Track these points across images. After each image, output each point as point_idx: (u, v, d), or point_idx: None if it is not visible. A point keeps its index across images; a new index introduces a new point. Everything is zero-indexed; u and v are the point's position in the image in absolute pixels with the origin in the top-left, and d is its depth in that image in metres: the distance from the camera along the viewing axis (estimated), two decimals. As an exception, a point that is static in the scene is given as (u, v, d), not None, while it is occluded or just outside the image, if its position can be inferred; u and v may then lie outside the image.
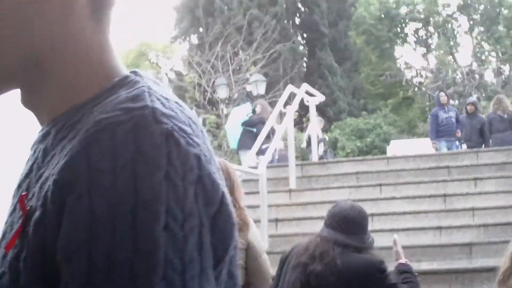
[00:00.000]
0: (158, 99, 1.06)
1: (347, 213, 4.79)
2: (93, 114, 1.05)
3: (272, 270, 5.11)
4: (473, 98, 20.20)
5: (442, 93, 17.55)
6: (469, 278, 8.16)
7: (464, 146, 16.83)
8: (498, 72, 38.22)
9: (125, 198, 0.96)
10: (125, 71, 1.17)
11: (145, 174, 0.97)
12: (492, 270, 8.06)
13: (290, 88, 13.27)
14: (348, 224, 4.74)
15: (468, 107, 17.15)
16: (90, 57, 1.14)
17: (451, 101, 17.30)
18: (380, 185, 11.06)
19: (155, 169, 0.97)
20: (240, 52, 28.82)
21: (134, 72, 1.15)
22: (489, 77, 39.87)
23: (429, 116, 38.05)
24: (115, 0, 1.17)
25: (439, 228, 9.41)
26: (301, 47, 38.64)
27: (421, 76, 43.38)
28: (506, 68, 40.21)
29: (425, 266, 8.37)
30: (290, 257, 4.84)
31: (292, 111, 12.13)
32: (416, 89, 41.59)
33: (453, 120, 16.38)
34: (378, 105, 41.36)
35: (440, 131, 16.25)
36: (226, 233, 1.05)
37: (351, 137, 29.50)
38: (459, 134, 16.50)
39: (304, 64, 38.05)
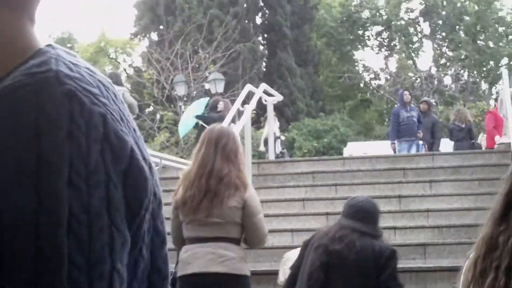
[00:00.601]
0: (65, 64, 1.08)
1: (363, 205, 5.47)
2: (1, 84, 1.07)
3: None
4: (426, 97, 20.25)
5: (406, 92, 17.42)
6: (422, 277, 8.21)
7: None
8: (456, 78, 38.62)
9: (28, 156, 0.98)
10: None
11: (48, 133, 0.99)
12: (445, 270, 8.15)
13: (248, 87, 13.28)
14: (364, 214, 5.37)
15: (422, 106, 17.30)
16: (3, 40, 1.14)
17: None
18: (335, 185, 11.08)
19: (58, 128, 0.99)
20: (200, 51, 28.76)
21: (48, 45, 1.16)
22: (447, 82, 40.31)
23: (386, 119, 38.32)
24: None
25: (394, 228, 9.44)
26: (261, 47, 38.68)
27: (379, 79, 43.71)
28: (465, 74, 40.67)
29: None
30: (312, 240, 5.43)
31: (249, 109, 12.11)
32: (374, 92, 41.87)
33: (415, 120, 16.22)
34: (336, 107, 41.59)
35: (400, 131, 16.13)
36: (139, 187, 1.07)
37: (308, 137, 29.64)
38: (420, 134, 16.41)
39: (264, 64, 38.10)
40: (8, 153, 0.99)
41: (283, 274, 6.35)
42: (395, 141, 16.05)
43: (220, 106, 15.48)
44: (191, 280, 4.93)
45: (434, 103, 24.78)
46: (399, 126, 16.15)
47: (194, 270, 4.92)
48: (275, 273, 6.76)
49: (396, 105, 18.19)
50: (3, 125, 0.99)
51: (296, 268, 5.49)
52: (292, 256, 6.15)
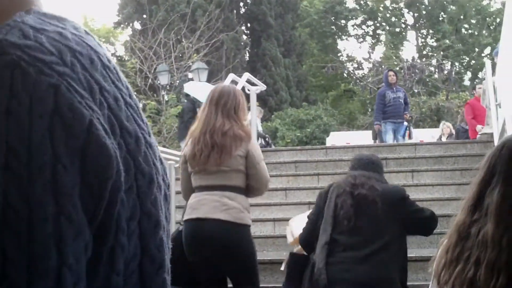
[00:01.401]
0: (22, 31, 0.98)
1: (371, 157, 5.95)
2: None
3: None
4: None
5: (391, 72, 16.74)
6: (403, 268, 8.21)
7: (412, 129, 16.72)
8: (440, 68, 38.70)
9: None
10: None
11: None
12: (426, 260, 8.14)
13: (231, 76, 13.24)
14: (373, 165, 5.80)
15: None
16: None
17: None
18: (318, 174, 11.07)
19: None
20: (183, 40, 28.68)
21: (28, 10, 1.06)
22: (431, 72, 40.38)
23: (369, 109, 38.35)
24: None
25: (376, 218, 9.46)
26: (244, 37, 38.63)
27: (363, 69, 43.79)
28: (448, 64, 40.76)
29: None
30: (331, 190, 5.68)
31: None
32: (357, 82, 41.93)
33: (401, 101, 15.84)
34: (319, 96, 41.62)
35: (386, 112, 15.69)
36: (99, 166, 0.95)
37: (291, 127, 29.62)
38: (407, 116, 16.12)
39: (247, 54, 38.07)
40: None
41: (291, 234, 6.51)
42: (381, 122, 15.65)
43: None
44: (195, 224, 5.25)
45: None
46: (385, 108, 15.73)
47: (199, 215, 5.28)
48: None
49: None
50: None
51: (315, 215, 5.74)
52: (297, 219, 6.41)
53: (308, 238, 5.73)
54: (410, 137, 17.98)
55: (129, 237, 1.02)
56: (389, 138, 15.33)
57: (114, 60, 1.13)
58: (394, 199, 5.49)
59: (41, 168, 0.89)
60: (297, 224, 6.17)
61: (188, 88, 16.11)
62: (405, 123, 16.34)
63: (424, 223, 5.62)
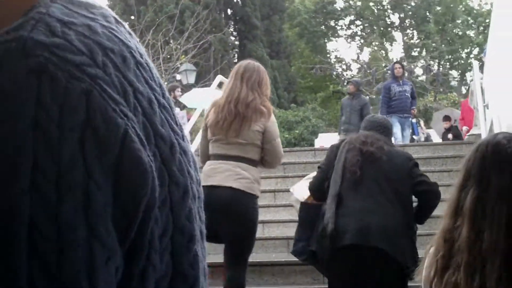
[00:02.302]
0: (49, 26, 0.86)
1: (383, 121, 6.38)
2: None
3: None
4: (356, 78, 18.89)
5: (397, 65, 16.00)
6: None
7: (420, 129, 16.21)
8: (427, 69, 38.78)
9: None
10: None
11: (6, 121, 0.80)
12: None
13: (219, 78, 13.24)
14: (384, 128, 6.18)
15: (349, 87, 16.07)
16: None
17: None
18: (306, 176, 11.07)
19: (19, 115, 0.79)
20: (171, 41, 28.66)
21: None
22: (418, 73, 40.49)
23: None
24: None
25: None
26: (232, 38, 38.64)
27: (351, 70, 43.87)
28: (435, 65, 40.85)
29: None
30: (342, 145, 6.03)
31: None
32: (346, 83, 42.01)
33: (408, 94, 15.13)
34: (308, 98, 41.63)
35: (391, 106, 15.00)
36: (134, 183, 0.86)
37: (280, 128, 29.46)
38: (414, 111, 15.43)
39: (236, 55, 38.08)
40: None
41: (298, 199, 6.54)
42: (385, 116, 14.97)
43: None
44: (209, 191, 5.45)
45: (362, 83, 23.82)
46: (390, 102, 15.07)
47: (213, 183, 5.67)
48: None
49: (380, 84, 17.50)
50: None
51: (326, 165, 6.06)
52: (298, 187, 6.55)
53: (319, 186, 6.02)
54: (415, 133, 17.00)
55: (161, 254, 0.93)
56: (397, 130, 14.53)
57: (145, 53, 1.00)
58: (399, 160, 5.86)
59: (72, 187, 0.80)
60: (300, 189, 6.35)
61: (185, 100, 16.04)
62: (414, 120, 15.64)
63: (426, 191, 5.92)
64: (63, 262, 0.79)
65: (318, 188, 6.02)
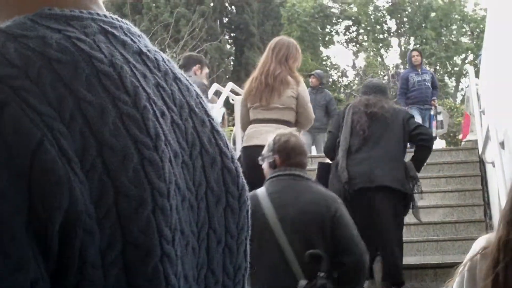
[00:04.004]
0: None
1: (379, 84, 7.92)
2: None
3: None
4: (318, 71, 17.33)
5: (415, 52, 14.92)
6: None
7: (441, 116, 15.03)
8: (423, 75, 38.73)
9: None
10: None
11: None
12: (413, 268, 8.14)
13: (215, 86, 13.23)
14: (381, 90, 7.50)
15: (311, 80, 15.15)
16: None
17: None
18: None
19: None
20: (167, 50, 28.64)
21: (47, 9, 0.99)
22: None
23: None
24: None
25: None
26: (228, 46, 38.64)
27: (347, 76, 43.88)
28: (431, 70, 40.82)
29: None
30: (347, 110, 7.35)
31: (216, 109, 12.05)
32: (342, 89, 41.99)
33: (428, 84, 14.23)
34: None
35: (410, 97, 14.09)
36: (45, 193, 0.83)
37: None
38: (435, 102, 14.54)
39: (231, 63, 38.08)
40: None
41: None
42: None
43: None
44: (253, 149, 6.21)
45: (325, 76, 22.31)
46: (409, 92, 14.12)
47: (257, 143, 6.43)
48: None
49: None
50: None
51: (335, 129, 7.40)
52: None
53: (331, 146, 7.39)
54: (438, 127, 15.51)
55: (105, 269, 0.89)
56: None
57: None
58: (399, 117, 7.13)
59: None
60: None
61: None
62: (432, 113, 14.55)
63: (420, 134, 7.13)
64: None
65: (331, 150, 7.35)
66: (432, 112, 14.44)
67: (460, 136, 17.40)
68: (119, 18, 1.14)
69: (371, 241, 6.20)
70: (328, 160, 7.60)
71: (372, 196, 6.84)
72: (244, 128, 7.16)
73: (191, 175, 1.05)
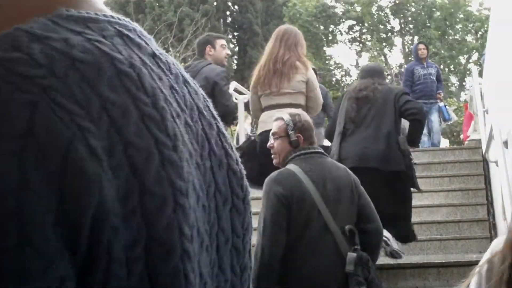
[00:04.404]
0: (13, 41, 0.89)
1: (374, 66, 8.08)
2: None
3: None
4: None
5: (421, 45, 14.78)
6: (393, 274, 8.13)
7: (450, 112, 14.78)
8: (427, 74, 38.71)
9: None
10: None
11: None
12: (416, 267, 8.14)
13: (234, 84, 13.21)
14: (376, 71, 7.68)
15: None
16: None
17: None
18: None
19: None
20: (170, 49, 28.65)
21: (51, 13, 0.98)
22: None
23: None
24: None
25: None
26: (231, 45, 38.66)
27: (351, 75, 43.87)
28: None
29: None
30: (344, 96, 7.65)
31: (220, 107, 12.08)
32: (345, 88, 41.98)
33: (433, 78, 14.10)
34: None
35: (415, 91, 13.75)
36: (77, 192, 0.84)
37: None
38: (441, 95, 14.40)
39: (235, 62, 38.09)
40: None
41: None
42: None
43: None
44: (268, 134, 6.01)
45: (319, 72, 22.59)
46: (414, 86, 13.92)
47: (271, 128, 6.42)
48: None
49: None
50: None
51: (334, 114, 7.72)
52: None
53: (330, 131, 7.67)
54: (445, 118, 15.12)
55: (130, 265, 0.90)
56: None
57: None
58: (392, 95, 7.25)
59: (4, 195, 0.79)
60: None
61: None
62: (441, 104, 14.40)
63: (411, 108, 7.19)
64: None
65: (330, 134, 7.63)
66: (441, 104, 14.40)
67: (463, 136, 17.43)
68: (130, 21, 1.13)
69: None
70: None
71: (364, 176, 6.57)
72: (255, 115, 7.35)
73: (202, 176, 1.07)
